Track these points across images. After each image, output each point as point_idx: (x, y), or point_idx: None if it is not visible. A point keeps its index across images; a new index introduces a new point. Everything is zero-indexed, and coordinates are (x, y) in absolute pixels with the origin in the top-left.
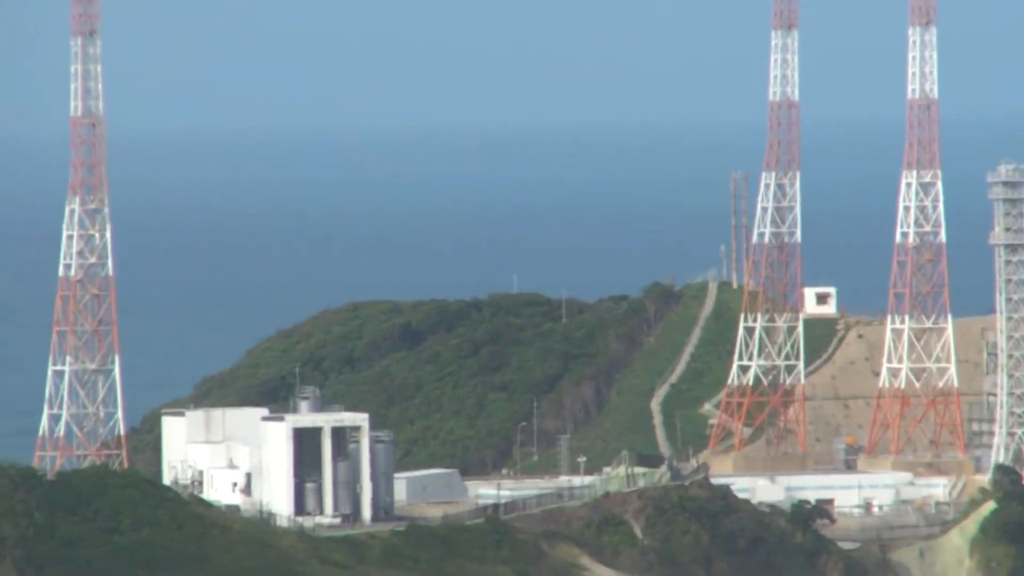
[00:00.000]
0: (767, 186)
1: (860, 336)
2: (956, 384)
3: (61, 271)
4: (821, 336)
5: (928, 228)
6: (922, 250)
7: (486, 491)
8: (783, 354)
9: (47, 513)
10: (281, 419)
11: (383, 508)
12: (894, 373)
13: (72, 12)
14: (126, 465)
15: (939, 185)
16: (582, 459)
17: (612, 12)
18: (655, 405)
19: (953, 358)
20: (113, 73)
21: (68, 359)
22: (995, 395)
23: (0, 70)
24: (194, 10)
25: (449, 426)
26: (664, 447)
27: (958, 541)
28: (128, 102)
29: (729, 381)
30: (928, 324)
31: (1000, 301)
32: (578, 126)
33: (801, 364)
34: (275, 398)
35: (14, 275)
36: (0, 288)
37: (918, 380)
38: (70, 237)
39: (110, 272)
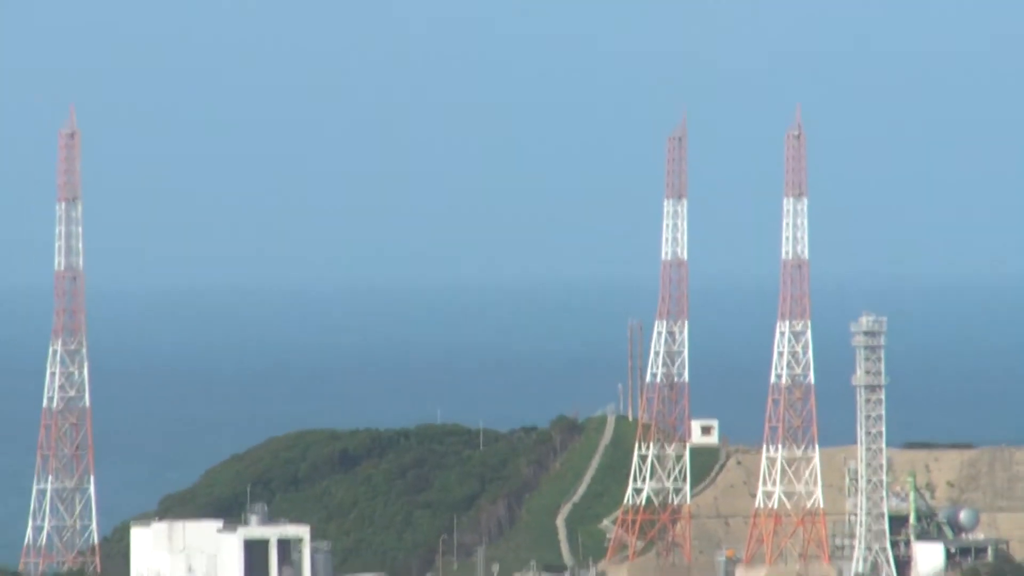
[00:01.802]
0: (659, 333)
1: (739, 463)
2: (822, 505)
3: (45, 403)
4: (705, 462)
5: (799, 371)
6: (793, 390)
7: None
8: (672, 478)
9: None
10: (234, 531)
11: None
12: (768, 495)
13: (57, 181)
14: (99, 570)
15: (808, 334)
16: (496, 567)
17: (515, 170)
18: (560, 521)
19: (819, 483)
20: (94, 232)
21: (50, 478)
22: (855, 515)
23: None
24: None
25: (380, 538)
26: (567, 558)
27: None
28: (106, 258)
29: (625, 501)
30: (798, 453)
31: (860, 434)
32: (506, 279)
33: (687, 487)
34: (229, 513)
35: (7, 407)
36: None
37: (789, 501)
38: (53, 374)
39: (87, 404)
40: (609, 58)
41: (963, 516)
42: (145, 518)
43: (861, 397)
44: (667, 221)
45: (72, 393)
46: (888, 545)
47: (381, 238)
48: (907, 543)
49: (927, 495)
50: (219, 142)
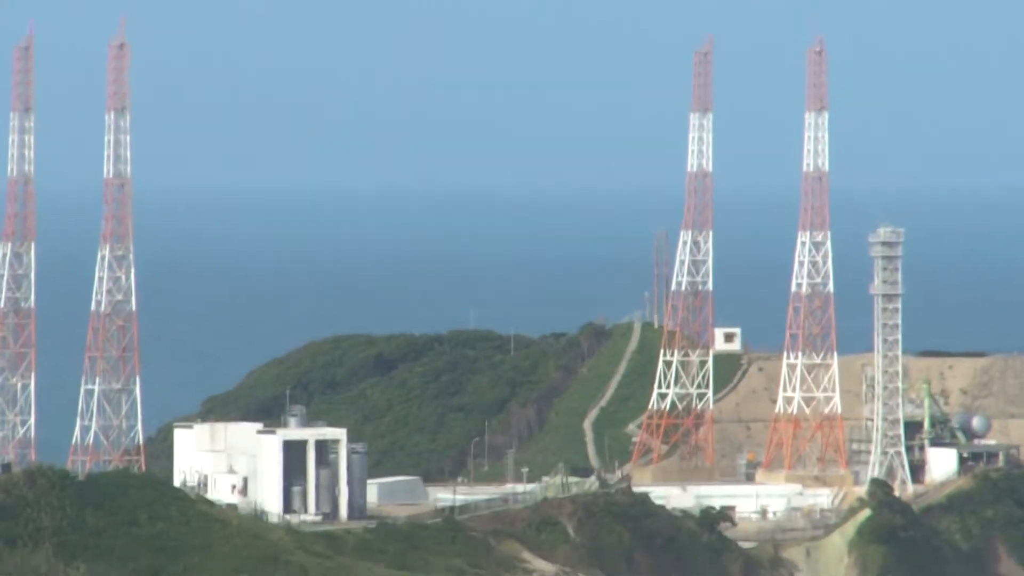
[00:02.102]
0: (684, 242)
1: (760, 369)
2: (839, 411)
3: (93, 306)
4: (727, 369)
5: (818, 280)
6: (813, 298)
7: (444, 495)
8: (695, 384)
9: (78, 508)
10: (273, 432)
11: (357, 508)
12: (788, 401)
13: (107, 91)
14: (143, 469)
15: (828, 244)
16: (525, 470)
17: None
18: (587, 425)
19: (837, 389)
20: (141, 137)
21: (97, 380)
22: (872, 420)
23: (40, 136)
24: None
25: (414, 440)
26: (594, 460)
27: (839, 542)
28: (153, 163)
29: (650, 406)
30: (817, 360)
31: (877, 342)
32: (538, 188)
33: (710, 392)
34: (269, 415)
35: (57, 307)
36: (44, 318)
37: (808, 407)
38: (101, 278)
39: (133, 308)
40: None
41: (975, 422)
42: (188, 419)
43: (878, 306)
44: (693, 134)
45: (119, 297)
46: (903, 450)
47: (414, 143)
48: (921, 448)
49: (941, 402)
50: (252, 54)
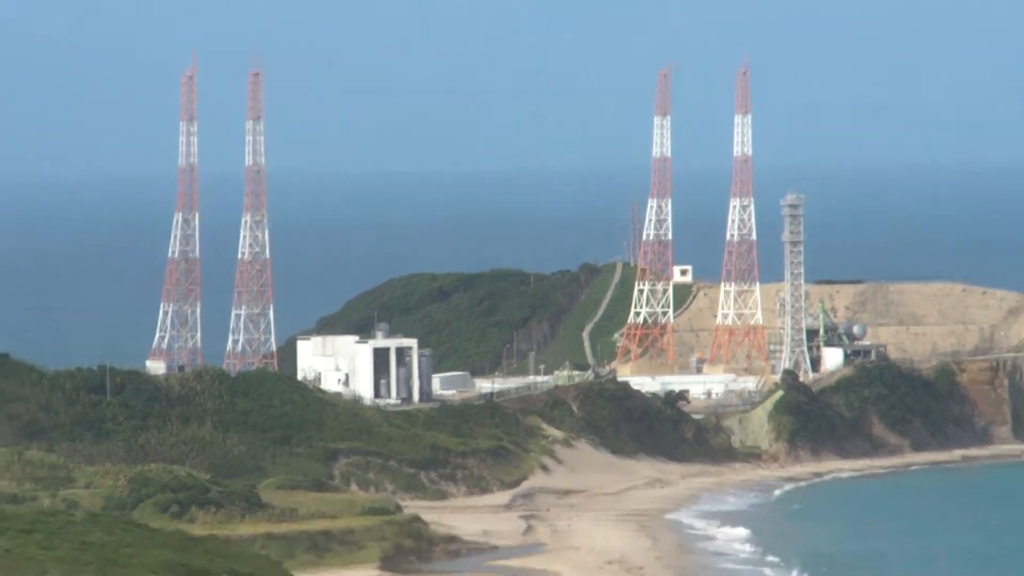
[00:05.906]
0: (651, 207)
1: (705, 295)
2: (761, 323)
3: (239, 255)
4: (683, 295)
5: (745, 231)
6: (742, 244)
7: (486, 385)
8: (660, 305)
9: (231, 396)
10: (366, 342)
11: (425, 394)
12: (725, 316)
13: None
14: (276, 369)
15: (751, 206)
16: (542, 366)
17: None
18: (585, 335)
19: (759, 308)
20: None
21: (243, 307)
22: (783, 329)
23: (200, 136)
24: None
25: (464, 347)
26: (590, 359)
27: (761, 414)
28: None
29: (629, 321)
30: (745, 288)
31: (787, 274)
32: (548, 170)
33: (671, 311)
34: (363, 330)
35: (220, 260)
36: (209, 270)
37: (739, 320)
38: (244, 236)
39: (267, 256)
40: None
41: (856, 329)
42: (307, 334)
43: (787, 249)
44: (656, 130)
45: (257, 249)
46: (805, 349)
47: (469, 124)
48: (818, 348)
49: (832, 315)
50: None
